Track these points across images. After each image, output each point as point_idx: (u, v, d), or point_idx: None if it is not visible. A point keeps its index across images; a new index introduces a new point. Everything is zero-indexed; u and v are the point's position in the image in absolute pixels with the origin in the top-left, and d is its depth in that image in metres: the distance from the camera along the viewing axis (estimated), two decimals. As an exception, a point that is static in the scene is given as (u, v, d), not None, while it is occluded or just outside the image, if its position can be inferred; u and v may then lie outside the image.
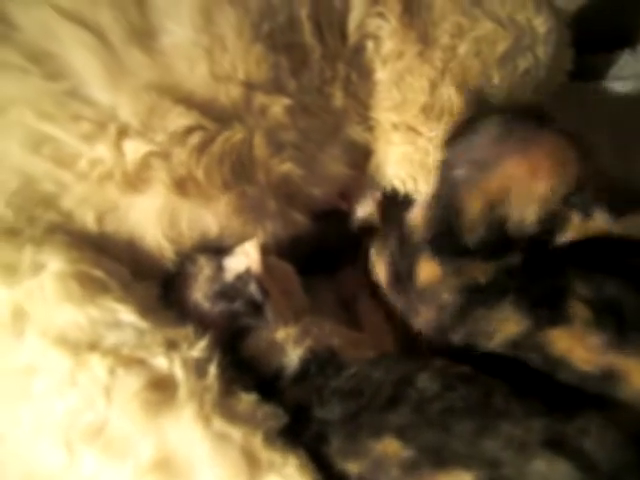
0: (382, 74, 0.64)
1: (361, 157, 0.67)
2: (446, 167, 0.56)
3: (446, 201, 0.55)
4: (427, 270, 0.54)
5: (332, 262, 0.67)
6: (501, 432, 0.44)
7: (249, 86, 0.56)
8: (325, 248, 0.66)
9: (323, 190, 0.64)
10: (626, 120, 0.83)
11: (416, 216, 0.57)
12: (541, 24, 0.67)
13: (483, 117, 0.58)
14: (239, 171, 0.56)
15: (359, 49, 0.63)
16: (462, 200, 0.54)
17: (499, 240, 0.54)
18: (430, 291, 0.54)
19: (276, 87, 0.57)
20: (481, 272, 0.53)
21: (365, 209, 0.66)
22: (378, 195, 0.67)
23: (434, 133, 0.64)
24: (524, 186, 0.54)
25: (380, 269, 0.60)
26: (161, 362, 0.47)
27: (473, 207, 0.54)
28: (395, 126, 0.64)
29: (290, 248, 0.62)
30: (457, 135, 0.58)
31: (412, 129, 0.64)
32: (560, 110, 0.80)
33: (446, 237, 0.54)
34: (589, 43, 0.81)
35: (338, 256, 0.67)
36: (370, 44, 0.63)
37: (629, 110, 0.84)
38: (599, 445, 0.43)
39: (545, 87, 0.72)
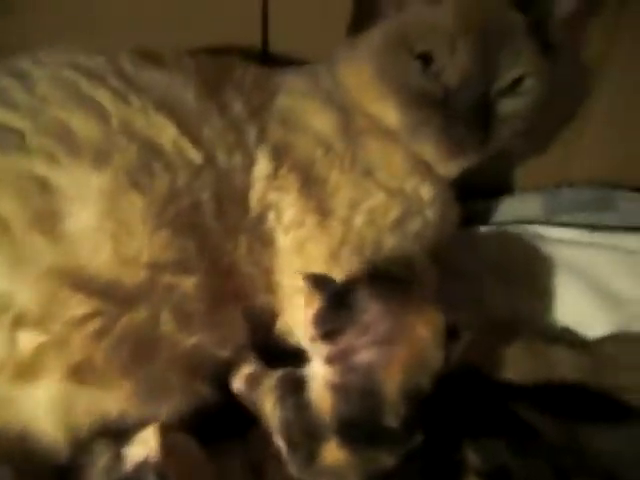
0: (284, 242, 0.67)
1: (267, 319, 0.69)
2: (341, 356, 0.55)
3: (361, 388, 0.53)
4: (334, 455, 0.54)
5: (242, 424, 0.66)
6: None
7: (155, 268, 0.57)
8: (233, 411, 0.65)
9: (230, 351, 0.63)
10: (511, 261, 0.91)
11: (321, 398, 0.55)
12: (426, 192, 0.74)
13: (349, 294, 0.56)
14: (141, 352, 0.56)
15: (261, 219, 0.66)
16: (381, 381, 0.53)
17: (415, 414, 0.53)
18: (334, 471, 0.54)
19: (183, 268, 0.59)
20: (387, 456, 0.53)
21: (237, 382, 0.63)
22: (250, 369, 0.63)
23: None
24: (430, 344, 0.54)
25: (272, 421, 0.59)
26: None
27: (394, 384, 0.53)
28: (300, 290, 0.66)
29: (195, 418, 0.60)
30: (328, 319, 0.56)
31: None
32: (453, 253, 0.87)
33: (360, 427, 0.53)
34: (472, 191, 0.90)
35: (248, 417, 0.66)
36: (271, 214, 0.67)
37: (513, 252, 0.93)
38: None
39: (436, 242, 0.78)
